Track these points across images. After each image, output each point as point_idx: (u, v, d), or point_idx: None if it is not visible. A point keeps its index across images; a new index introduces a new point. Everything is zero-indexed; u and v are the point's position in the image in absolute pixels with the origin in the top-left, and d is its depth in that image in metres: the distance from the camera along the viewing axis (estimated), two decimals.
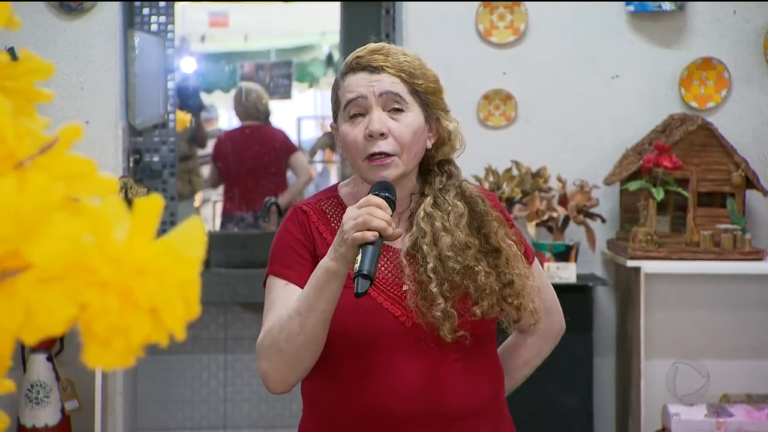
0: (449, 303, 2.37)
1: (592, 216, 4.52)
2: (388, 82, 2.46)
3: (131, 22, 5.67)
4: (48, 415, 4.30)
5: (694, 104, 4.54)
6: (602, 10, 4.55)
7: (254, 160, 6.84)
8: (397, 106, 2.45)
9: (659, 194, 4.22)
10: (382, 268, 2.45)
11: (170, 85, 6.08)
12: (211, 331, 5.85)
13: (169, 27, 6.03)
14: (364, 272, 2.16)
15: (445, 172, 2.54)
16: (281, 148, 6.96)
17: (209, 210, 7.95)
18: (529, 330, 2.63)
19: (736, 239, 4.25)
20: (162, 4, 5.97)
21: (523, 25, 4.54)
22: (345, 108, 2.48)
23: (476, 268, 2.40)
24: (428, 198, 2.48)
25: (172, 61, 6.13)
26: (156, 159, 6.00)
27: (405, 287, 2.42)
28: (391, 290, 2.44)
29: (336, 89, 2.55)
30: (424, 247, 2.41)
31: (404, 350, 2.41)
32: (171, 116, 6.07)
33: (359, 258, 2.20)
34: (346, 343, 2.41)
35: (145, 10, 5.94)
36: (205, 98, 7.71)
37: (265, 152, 6.88)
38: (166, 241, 0.82)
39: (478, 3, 4.53)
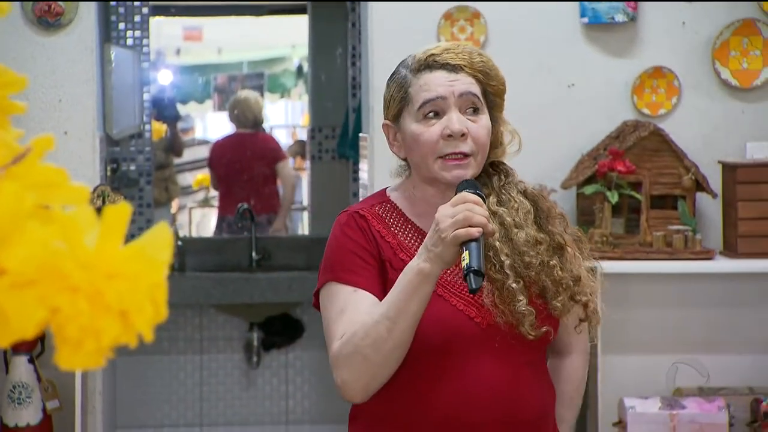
0: (527, 300, 2.26)
1: None
2: (467, 82, 2.33)
3: (108, 36, 5.65)
4: (30, 414, 4.28)
5: (646, 111, 4.55)
6: (558, 21, 4.56)
7: (245, 166, 6.88)
8: (473, 107, 2.33)
9: (614, 197, 4.24)
10: (450, 270, 2.29)
11: (146, 96, 6.07)
12: (187, 333, 5.84)
13: (145, 41, 6.02)
14: (475, 268, 2.05)
15: (502, 172, 2.42)
16: (270, 155, 7.00)
17: (185, 216, 7.94)
18: (569, 344, 2.52)
19: (687, 240, 4.27)
20: (137, 19, 5.97)
21: (482, 37, 4.55)
22: (420, 108, 2.33)
23: (551, 263, 2.30)
24: (491, 197, 2.36)
25: (148, 74, 6.13)
26: (133, 168, 5.99)
27: None
28: (463, 292, 2.29)
29: (405, 86, 2.38)
30: (497, 244, 2.28)
31: (480, 352, 2.28)
32: (147, 127, 6.07)
33: (466, 255, 2.08)
34: (422, 347, 2.25)
35: (121, 25, 5.93)
36: (181, 109, 7.71)
37: (256, 159, 6.91)
38: (134, 246, 0.82)
39: (439, 16, 4.53)
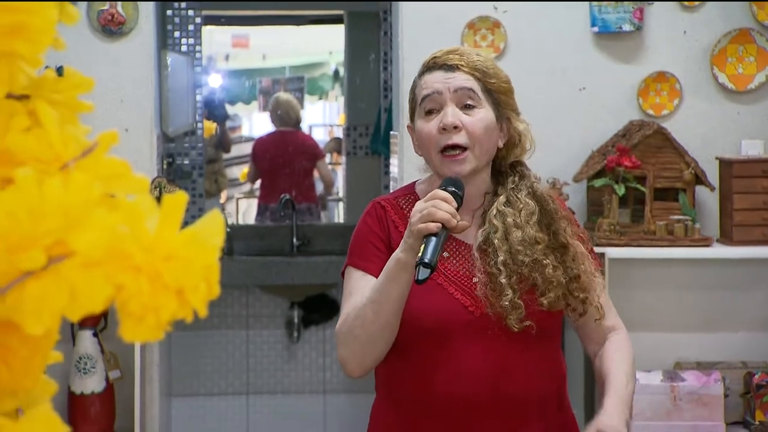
0: (516, 294, 2.22)
1: None
2: (462, 79, 2.29)
3: (164, 43, 5.67)
4: (94, 383, 4.31)
5: (650, 112, 4.53)
6: (570, 30, 4.54)
7: (287, 161, 6.89)
8: (470, 102, 2.28)
9: (621, 190, 4.22)
10: (454, 262, 2.29)
11: (198, 98, 6.08)
12: (235, 310, 5.86)
13: (197, 48, 6.03)
14: (426, 261, 2.03)
15: (518, 173, 2.36)
16: (310, 153, 7.02)
17: (233, 206, 7.95)
18: (598, 333, 2.47)
19: (687, 228, 4.25)
20: (191, 28, 5.97)
21: (502, 44, 4.54)
22: (421, 104, 2.31)
23: (544, 262, 2.24)
24: (501, 197, 2.31)
25: (200, 78, 6.13)
26: (186, 162, 6.00)
27: (475, 279, 2.26)
28: (462, 282, 2.28)
29: (413, 89, 2.37)
30: (496, 241, 2.25)
31: (472, 338, 2.25)
32: (199, 125, 6.08)
33: (422, 248, 2.07)
34: (419, 330, 2.25)
35: (177, 33, 5.94)
36: (229, 109, 7.71)
37: (297, 154, 6.93)
38: (190, 231, 0.82)
39: (463, 25, 4.52)
